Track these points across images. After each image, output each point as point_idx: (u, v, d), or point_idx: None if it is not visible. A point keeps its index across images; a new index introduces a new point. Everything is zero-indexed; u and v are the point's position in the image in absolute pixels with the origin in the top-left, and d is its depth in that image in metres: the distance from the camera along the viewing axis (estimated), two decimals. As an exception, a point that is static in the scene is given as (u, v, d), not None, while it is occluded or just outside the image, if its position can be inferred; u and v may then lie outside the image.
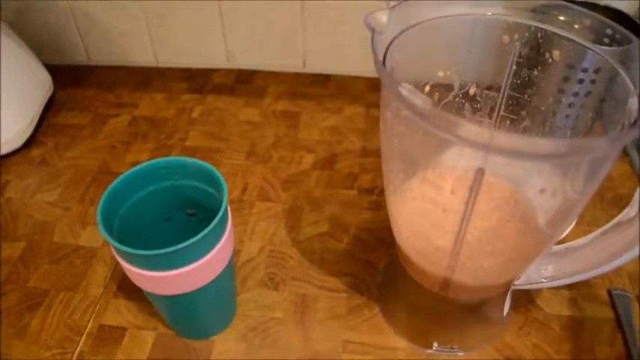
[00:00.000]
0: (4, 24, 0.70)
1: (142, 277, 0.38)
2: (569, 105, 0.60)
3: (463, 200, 0.35)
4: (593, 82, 0.57)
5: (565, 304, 0.49)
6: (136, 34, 0.78)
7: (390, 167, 0.40)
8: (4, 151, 0.66)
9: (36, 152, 0.67)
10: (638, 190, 0.37)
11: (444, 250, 0.39)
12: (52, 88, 0.74)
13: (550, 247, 0.42)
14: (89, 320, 0.49)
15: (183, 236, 0.37)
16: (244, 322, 0.48)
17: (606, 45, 0.37)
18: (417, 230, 0.41)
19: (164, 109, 0.72)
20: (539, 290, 0.50)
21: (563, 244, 0.43)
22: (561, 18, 0.39)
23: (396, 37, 0.36)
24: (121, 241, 0.37)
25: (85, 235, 0.57)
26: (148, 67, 0.81)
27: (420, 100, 0.29)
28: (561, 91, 0.43)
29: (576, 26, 0.38)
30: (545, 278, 0.44)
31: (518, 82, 0.42)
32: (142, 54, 0.80)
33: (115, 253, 0.40)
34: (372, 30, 0.34)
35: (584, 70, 0.41)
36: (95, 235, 0.57)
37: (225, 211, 0.39)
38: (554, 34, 0.39)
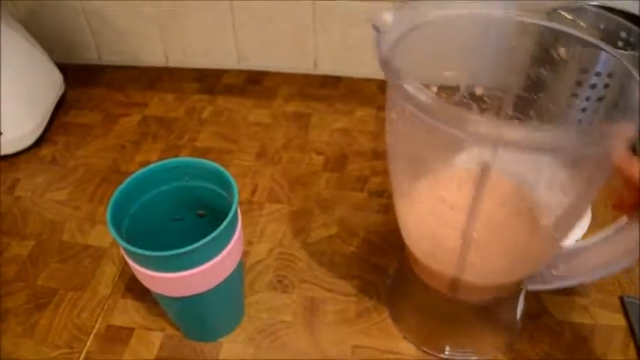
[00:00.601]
0: (17, 23, 0.70)
1: (150, 278, 0.38)
2: (582, 110, 0.59)
3: (469, 196, 0.35)
4: (606, 86, 0.57)
5: (577, 311, 0.49)
6: (147, 34, 0.78)
7: (397, 170, 0.40)
8: (15, 149, 0.66)
9: (46, 151, 0.67)
10: None
11: (453, 249, 0.38)
12: (63, 87, 0.74)
13: (560, 247, 0.41)
14: (97, 320, 0.49)
15: (194, 237, 0.36)
16: (253, 325, 0.48)
17: (620, 49, 0.36)
18: (426, 231, 0.40)
19: (174, 109, 0.72)
20: (550, 297, 0.50)
21: (574, 243, 0.42)
22: (575, 20, 0.38)
23: (401, 37, 0.35)
24: (130, 242, 0.37)
25: (94, 235, 0.57)
26: (158, 67, 0.81)
27: (425, 96, 0.28)
28: (574, 95, 0.43)
29: (590, 29, 0.38)
30: (557, 278, 0.43)
31: (529, 82, 0.42)
32: (153, 54, 0.80)
33: (123, 253, 0.39)
34: (377, 30, 0.34)
35: (598, 74, 0.40)
36: (104, 235, 0.56)
37: (236, 213, 0.39)
38: (568, 35, 0.38)
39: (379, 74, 0.32)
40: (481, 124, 0.27)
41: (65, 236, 0.57)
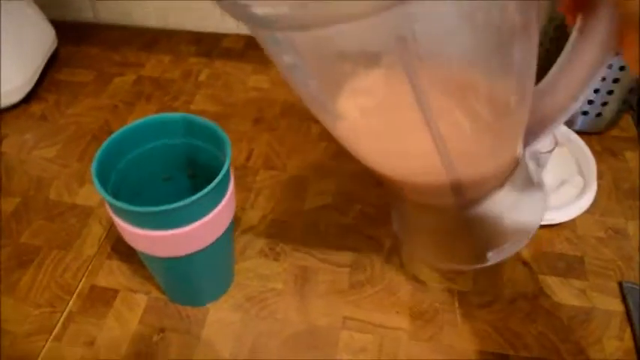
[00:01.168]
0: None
1: (136, 236, 0.36)
2: (595, 91, 0.58)
3: (406, 88, 0.29)
4: (622, 68, 0.55)
5: (574, 294, 0.47)
6: (145, -7, 0.75)
7: (317, 107, 0.36)
8: (4, 104, 0.64)
9: (36, 108, 0.65)
10: None
11: (431, 153, 0.33)
12: (55, 44, 0.72)
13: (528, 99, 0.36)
14: (81, 280, 0.48)
15: (183, 198, 0.35)
16: (241, 292, 0.47)
17: None
18: (391, 149, 0.36)
19: (170, 71, 0.70)
20: (547, 278, 0.48)
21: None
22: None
23: None
24: (117, 198, 0.35)
25: (82, 194, 0.55)
26: (155, 29, 0.78)
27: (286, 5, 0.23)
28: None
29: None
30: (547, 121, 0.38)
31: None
32: (150, 15, 0.77)
33: (109, 209, 0.38)
34: None
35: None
36: (92, 195, 0.55)
37: (228, 171, 0.37)
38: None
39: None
40: None
41: (52, 194, 0.55)
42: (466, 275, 0.48)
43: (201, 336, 0.44)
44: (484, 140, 0.35)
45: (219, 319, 0.45)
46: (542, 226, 0.51)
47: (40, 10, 0.70)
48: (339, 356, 0.43)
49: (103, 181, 0.36)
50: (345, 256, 0.50)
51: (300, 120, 0.63)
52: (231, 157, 0.38)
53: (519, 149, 0.39)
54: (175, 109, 0.64)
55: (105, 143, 0.38)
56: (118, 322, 0.45)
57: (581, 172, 0.55)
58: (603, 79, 0.56)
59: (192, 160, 0.42)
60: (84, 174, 0.57)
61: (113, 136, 0.38)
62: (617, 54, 0.31)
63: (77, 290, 0.47)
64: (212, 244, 0.39)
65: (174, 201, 0.34)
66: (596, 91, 0.58)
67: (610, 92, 0.57)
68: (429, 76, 0.30)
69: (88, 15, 0.79)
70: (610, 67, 0.55)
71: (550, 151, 0.49)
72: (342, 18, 0.24)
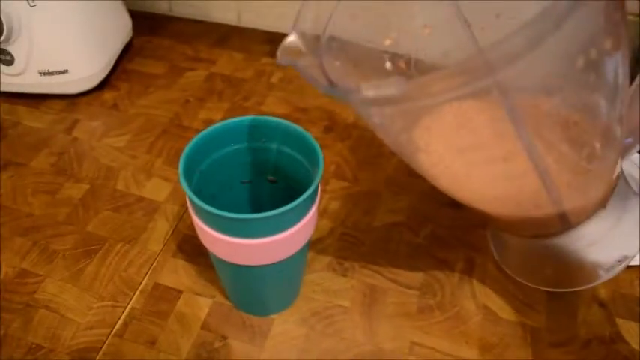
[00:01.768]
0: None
1: (215, 240, 0.35)
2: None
3: (505, 129, 0.30)
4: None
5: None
6: (222, -11, 0.75)
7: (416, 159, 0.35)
8: (78, 89, 0.64)
9: (108, 95, 0.65)
10: None
11: (538, 190, 0.33)
12: (131, 34, 0.72)
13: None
14: (145, 276, 0.47)
15: (259, 204, 0.33)
16: (307, 305, 0.45)
17: None
18: (496, 192, 0.35)
19: (242, 70, 0.69)
20: (625, 321, 0.45)
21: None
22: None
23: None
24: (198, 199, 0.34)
25: (149, 187, 0.54)
26: (229, 25, 0.78)
27: (393, 86, 0.25)
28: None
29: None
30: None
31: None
32: (225, 11, 0.77)
33: (191, 209, 0.37)
34: (293, 63, 0.30)
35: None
36: (159, 189, 0.54)
37: (317, 186, 0.35)
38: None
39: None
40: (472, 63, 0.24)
41: (120, 185, 0.54)
42: (539, 310, 0.46)
43: (265, 347, 0.43)
44: (590, 168, 0.34)
45: (284, 331, 0.44)
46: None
47: (121, -1, 0.70)
48: (406, 384, 0.41)
49: (188, 180, 0.35)
50: (415, 278, 0.47)
51: (372, 132, 0.61)
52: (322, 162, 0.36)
53: (619, 166, 0.37)
54: (246, 109, 0.63)
55: (192, 142, 0.37)
56: (179, 324, 0.44)
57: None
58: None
59: (274, 165, 0.41)
60: (151, 167, 0.56)
61: (200, 135, 0.37)
62: None
63: (140, 286, 0.46)
64: (289, 257, 0.37)
65: (251, 205, 0.33)
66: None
67: None
68: (529, 117, 0.29)
69: (163, 7, 0.79)
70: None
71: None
72: (440, 92, 0.26)
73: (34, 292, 0.45)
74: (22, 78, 0.61)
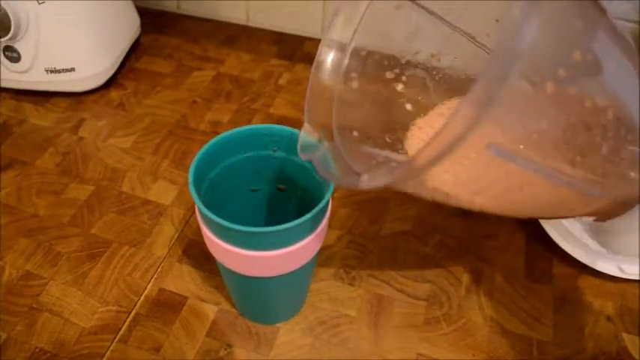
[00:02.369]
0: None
1: (224, 251, 0.34)
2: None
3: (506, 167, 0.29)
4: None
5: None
6: (231, -12, 0.74)
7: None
8: (84, 88, 0.63)
9: (114, 94, 0.65)
10: None
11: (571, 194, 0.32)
12: (139, 31, 0.71)
13: None
14: (150, 281, 0.46)
15: (268, 212, 0.33)
16: (314, 314, 0.45)
17: None
18: (537, 204, 0.34)
19: (250, 70, 0.69)
20: (632, 337, 0.45)
21: None
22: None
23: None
24: (206, 207, 0.33)
25: (154, 190, 0.54)
26: (237, 25, 0.77)
27: (385, 176, 0.26)
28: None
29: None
30: None
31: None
32: (233, 10, 0.76)
33: (199, 217, 0.36)
34: (316, 163, 0.32)
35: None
36: (165, 191, 0.54)
37: (328, 199, 0.35)
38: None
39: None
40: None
41: (125, 187, 0.54)
42: (547, 324, 0.45)
43: (270, 356, 0.42)
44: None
45: (290, 340, 0.43)
46: (629, 281, 0.48)
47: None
48: (413, 398, 0.41)
49: (197, 189, 0.35)
50: (422, 289, 0.47)
51: (381, 136, 0.61)
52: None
53: None
54: (254, 112, 0.63)
55: (202, 150, 0.36)
56: (185, 331, 0.43)
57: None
58: None
59: (284, 174, 0.40)
60: (157, 169, 0.56)
61: (211, 143, 0.37)
62: None
63: (145, 292, 0.46)
64: (298, 268, 0.37)
65: (259, 213, 0.33)
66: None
67: None
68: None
69: (171, 5, 0.78)
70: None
71: None
72: (427, 165, 0.24)
73: (38, 294, 0.45)
74: (28, 75, 0.61)
